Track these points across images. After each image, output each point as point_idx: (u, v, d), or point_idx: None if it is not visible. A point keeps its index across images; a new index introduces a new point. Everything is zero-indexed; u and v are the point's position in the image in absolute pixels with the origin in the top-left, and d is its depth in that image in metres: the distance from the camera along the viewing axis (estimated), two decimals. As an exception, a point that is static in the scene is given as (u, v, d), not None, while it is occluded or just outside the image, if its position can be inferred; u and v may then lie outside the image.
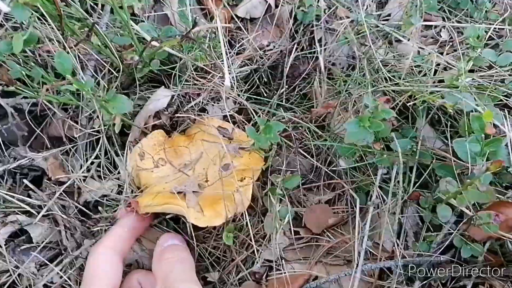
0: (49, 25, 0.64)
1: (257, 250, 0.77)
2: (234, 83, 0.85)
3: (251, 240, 0.72)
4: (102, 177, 0.76)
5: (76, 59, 0.65)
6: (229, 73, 0.76)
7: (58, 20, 0.54)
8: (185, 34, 0.63)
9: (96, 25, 0.57)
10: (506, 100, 0.80)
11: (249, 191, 0.73)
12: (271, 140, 0.72)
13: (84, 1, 0.59)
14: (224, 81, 0.85)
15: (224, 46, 0.65)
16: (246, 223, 0.73)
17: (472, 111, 0.70)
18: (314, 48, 0.99)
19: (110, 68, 0.73)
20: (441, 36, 1.05)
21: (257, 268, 0.75)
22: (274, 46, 1.01)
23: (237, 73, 0.92)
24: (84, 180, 0.75)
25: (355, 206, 0.80)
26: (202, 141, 0.83)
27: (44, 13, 0.54)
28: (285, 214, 0.79)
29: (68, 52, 0.61)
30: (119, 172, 0.81)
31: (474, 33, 0.79)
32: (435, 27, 1.05)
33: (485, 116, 0.64)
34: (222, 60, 0.78)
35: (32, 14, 0.51)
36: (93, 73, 0.70)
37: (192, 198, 0.70)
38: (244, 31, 1.00)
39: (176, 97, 0.85)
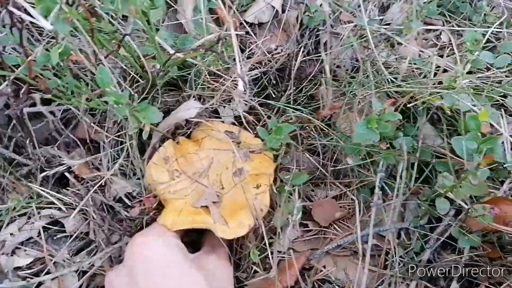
0: (78, 38, 0.70)
1: (269, 244, 0.81)
2: (246, 86, 0.90)
3: (265, 244, 0.78)
4: (127, 176, 0.81)
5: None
6: (243, 78, 0.81)
7: (90, 34, 0.59)
8: (209, 48, 0.68)
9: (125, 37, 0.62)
10: (503, 100, 0.84)
11: (266, 198, 0.78)
12: (281, 141, 0.77)
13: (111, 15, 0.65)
14: (236, 83, 0.91)
15: (238, 54, 0.70)
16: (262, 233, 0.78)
17: (469, 111, 0.76)
18: (320, 52, 1.04)
19: (135, 76, 0.79)
20: (440, 39, 1.10)
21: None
22: (281, 50, 1.06)
23: (248, 76, 0.98)
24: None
25: (360, 202, 0.87)
26: (214, 150, 0.86)
27: (78, 26, 0.59)
28: (293, 209, 0.85)
29: (99, 63, 0.67)
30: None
31: (472, 37, 0.84)
32: (435, 30, 1.10)
33: (481, 115, 0.69)
34: (235, 64, 0.83)
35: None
36: (119, 80, 0.75)
37: (216, 212, 0.74)
38: (253, 36, 1.05)
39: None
